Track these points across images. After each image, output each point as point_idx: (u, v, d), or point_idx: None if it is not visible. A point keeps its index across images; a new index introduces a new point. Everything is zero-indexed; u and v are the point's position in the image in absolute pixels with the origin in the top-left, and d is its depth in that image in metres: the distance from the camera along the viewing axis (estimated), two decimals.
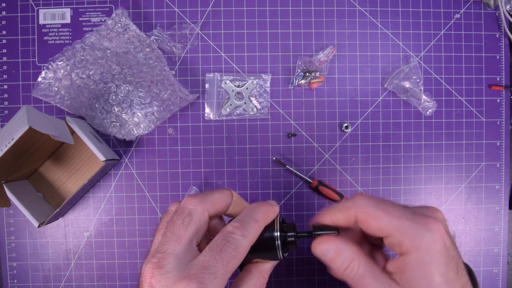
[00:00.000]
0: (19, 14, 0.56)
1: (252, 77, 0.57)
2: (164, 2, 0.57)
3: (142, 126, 0.53)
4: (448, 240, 0.27)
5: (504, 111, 0.59)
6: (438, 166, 0.59)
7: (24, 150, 0.47)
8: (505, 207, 0.59)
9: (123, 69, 0.53)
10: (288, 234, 0.31)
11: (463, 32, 0.59)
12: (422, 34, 0.58)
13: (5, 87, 0.56)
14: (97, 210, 0.57)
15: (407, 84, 0.56)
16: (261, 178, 0.57)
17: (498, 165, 0.59)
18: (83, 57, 0.52)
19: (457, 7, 0.59)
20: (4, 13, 0.56)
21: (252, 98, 0.57)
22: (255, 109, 0.57)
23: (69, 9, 0.57)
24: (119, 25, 0.54)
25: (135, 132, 0.53)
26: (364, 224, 0.29)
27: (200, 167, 0.57)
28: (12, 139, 0.41)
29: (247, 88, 0.56)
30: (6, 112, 0.56)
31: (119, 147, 0.57)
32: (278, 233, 0.30)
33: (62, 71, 0.52)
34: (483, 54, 0.59)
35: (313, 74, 0.56)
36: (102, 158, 0.50)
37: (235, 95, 0.57)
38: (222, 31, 0.57)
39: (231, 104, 0.57)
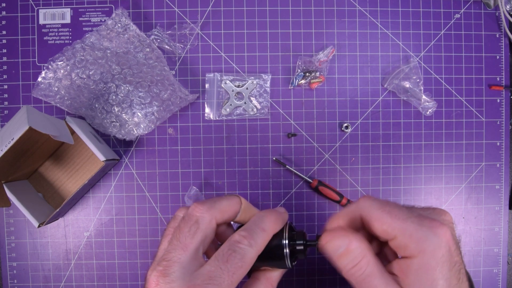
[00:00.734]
0: (19, 14, 0.56)
1: (252, 77, 0.57)
2: (164, 2, 0.57)
3: (142, 126, 0.53)
4: (453, 245, 0.27)
5: (504, 111, 0.59)
6: (438, 166, 0.59)
7: (24, 150, 0.47)
8: (505, 207, 0.59)
9: (123, 69, 0.53)
10: (297, 242, 0.31)
11: (463, 32, 0.59)
12: (422, 34, 0.58)
13: (5, 87, 0.56)
14: (97, 210, 0.57)
15: (407, 84, 0.56)
16: (261, 178, 0.57)
17: (498, 165, 0.59)
18: (83, 57, 0.52)
19: (457, 7, 0.59)
20: (4, 13, 0.56)
21: (252, 98, 0.57)
22: (255, 109, 0.57)
23: (69, 9, 0.57)
24: (119, 25, 0.54)
25: (135, 132, 0.53)
26: (368, 226, 0.29)
27: (200, 167, 0.57)
28: (12, 139, 0.41)
29: (247, 88, 0.56)
30: (6, 112, 0.56)
31: (119, 147, 0.57)
32: (287, 241, 0.30)
33: (62, 71, 0.52)
34: (483, 54, 0.59)
35: (313, 74, 0.56)
36: (102, 158, 0.50)
37: (235, 95, 0.57)
38: (222, 31, 0.57)
39: (231, 104, 0.57)
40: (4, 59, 0.56)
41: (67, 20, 0.57)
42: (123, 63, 0.53)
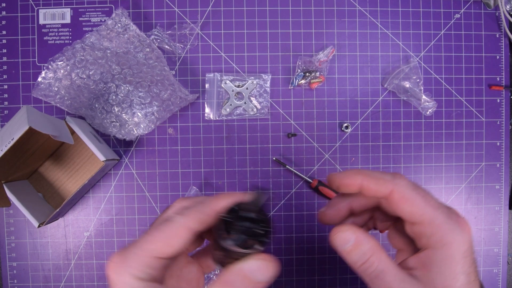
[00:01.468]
0: (19, 14, 0.56)
1: (252, 77, 0.57)
2: (164, 2, 0.57)
3: (142, 126, 0.53)
4: (472, 244, 0.27)
5: (504, 111, 0.59)
6: (438, 166, 0.59)
7: (24, 150, 0.47)
8: (505, 207, 0.59)
9: (123, 69, 0.53)
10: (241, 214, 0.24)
11: (463, 32, 0.59)
12: (422, 34, 0.58)
13: (5, 87, 0.56)
14: (97, 210, 0.57)
15: (407, 84, 0.56)
16: (261, 178, 0.57)
17: (498, 165, 0.59)
18: (83, 57, 0.52)
19: (457, 7, 0.59)
20: (4, 13, 0.56)
21: (252, 98, 0.57)
22: (255, 109, 0.57)
23: (69, 9, 0.57)
24: (119, 25, 0.54)
25: (135, 132, 0.53)
26: (397, 204, 0.27)
27: (200, 167, 0.57)
28: (12, 139, 0.41)
29: (247, 88, 0.56)
30: (6, 112, 0.56)
31: (119, 147, 0.57)
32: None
33: (62, 71, 0.52)
34: (483, 54, 0.59)
35: (313, 74, 0.56)
36: (102, 158, 0.50)
37: (235, 95, 0.57)
38: (222, 31, 0.57)
39: (231, 104, 0.57)
40: (4, 59, 0.56)
41: (67, 20, 0.57)
42: (123, 63, 0.53)
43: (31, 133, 0.40)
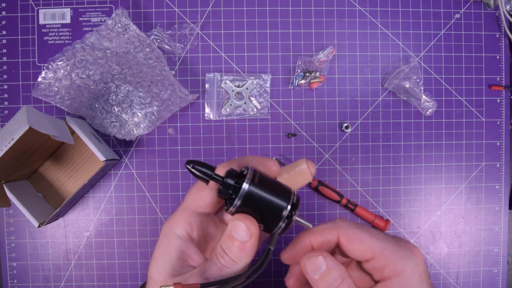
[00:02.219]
0: (19, 14, 0.56)
1: (252, 77, 0.57)
2: (164, 2, 0.57)
3: (142, 126, 0.53)
4: (425, 265, 0.28)
5: (504, 111, 0.59)
6: (438, 166, 0.59)
7: (24, 150, 0.47)
8: (505, 207, 0.59)
9: (123, 69, 0.53)
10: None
11: (463, 32, 0.59)
12: (422, 34, 0.58)
13: (5, 87, 0.56)
14: (97, 210, 0.57)
15: (407, 84, 0.56)
16: None
17: (498, 165, 0.59)
18: (83, 57, 0.52)
19: (457, 7, 0.59)
20: (4, 13, 0.56)
21: (252, 98, 0.57)
22: (255, 109, 0.57)
23: (69, 9, 0.57)
24: (119, 25, 0.54)
25: (135, 132, 0.53)
26: (346, 246, 0.28)
27: None
28: (12, 139, 0.41)
29: (247, 88, 0.56)
30: (6, 112, 0.56)
31: (119, 147, 0.57)
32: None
33: (62, 71, 0.52)
34: (483, 54, 0.59)
35: (313, 74, 0.56)
36: (102, 158, 0.50)
37: (235, 95, 0.57)
38: (222, 31, 0.57)
39: (231, 104, 0.57)
40: (4, 59, 0.56)
41: (67, 20, 0.57)
42: (123, 63, 0.53)
43: (31, 133, 0.40)
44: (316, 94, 0.58)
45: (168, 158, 0.57)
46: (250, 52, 0.57)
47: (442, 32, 0.59)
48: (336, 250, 0.30)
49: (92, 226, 0.57)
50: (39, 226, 0.50)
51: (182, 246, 0.28)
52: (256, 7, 0.57)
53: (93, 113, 0.54)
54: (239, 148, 0.57)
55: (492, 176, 0.59)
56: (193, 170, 0.26)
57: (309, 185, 0.57)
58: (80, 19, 0.57)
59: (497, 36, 0.59)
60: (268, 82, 0.57)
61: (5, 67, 0.56)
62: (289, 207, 0.25)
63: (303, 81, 0.56)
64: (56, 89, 0.53)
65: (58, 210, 0.50)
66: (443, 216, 0.59)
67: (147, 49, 0.55)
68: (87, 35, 0.55)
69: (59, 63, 0.52)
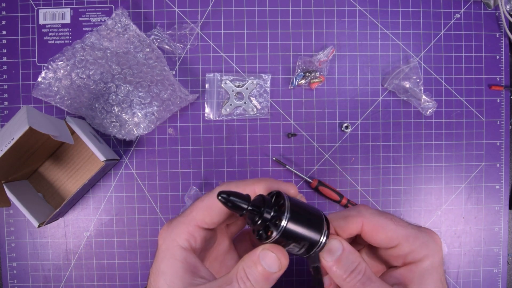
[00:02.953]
0: (19, 14, 0.56)
1: (252, 77, 0.57)
2: (164, 2, 0.57)
3: (142, 126, 0.53)
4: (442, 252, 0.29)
5: (504, 111, 0.59)
6: (438, 166, 0.59)
7: (24, 150, 0.47)
8: (505, 207, 0.59)
9: (123, 69, 0.53)
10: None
11: (463, 32, 0.59)
12: (422, 34, 0.58)
13: (5, 87, 0.56)
14: (97, 210, 0.57)
15: (407, 84, 0.56)
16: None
17: (498, 165, 0.59)
18: (83, 57, 0.52)
19: (457, 7, 0.59)
20: (4, 13, 0.56)
21: (252, 98, 0.57)
22: (255, 109, 0.57)
23: (69, 9, 0.57)
24: (119, 25, 0.54)
25: (135, 132, 0.53)
26: (370, 234, 0.28)
27: (200, 167, 0.57)
28: (12, 139, 0.41)
29: (247, 88, 0.56)
30: (6, 112, 0.56)
31: (119, 147, 0.57)
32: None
33: (62, 71, 0.52)
34: (483, 54, 0.59)
35: (313, 74, 0.56)
36: (102, 158, 0.50)
37: (235, 95, 0.57)
38: (222, 31, 0.57)
39: (231, 104, 0.57)
40: (4, 59, 0.56)
41: (67, 20, 0.57)
42: (123, 63, 0.53)
43: (31, 133, 0.40)
44: (316, 94, 0.58)
45: (168, 158, 0.57)
46: (250, 52, 0.57)
47: (442, 32, 0.59)
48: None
49: (92, 226, 0.57)
50: (39, 226, 0.50)
51: (188, 258, 0.27)
52: (256, 7, 0.57)
53: (93, 113, 0.54)
54: (239, 148, 0.57)
55: (492, 176, 0.59)
56: (226, 202, 0.24)
57: (309, 185, 0.57)
58: (80, 19, 0.57)
59: (497, 36, 0.59)
60: (268, 82, 0.57)
61: (5, 67, 0.56)
62: (322, 240, 0.26)
63: (303, 81, 0.56)
64: (56, 89, 0.53)
65: (58, 210, 0.50)
66: (443, 216, 0.59)
67: (147, 49, 0.55)
68: (87, 35, 0.55)
69: (59, 63, 0.52)
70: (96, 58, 0.53)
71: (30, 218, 0.50)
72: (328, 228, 0.26)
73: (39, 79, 0.53)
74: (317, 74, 0.56)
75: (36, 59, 0.57)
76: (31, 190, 0.55)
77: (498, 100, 0.59)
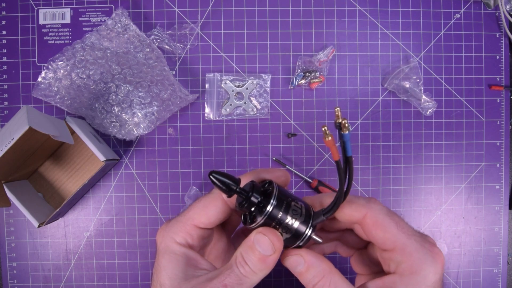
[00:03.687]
0: (19, 14, 0.56)
1: (252, 77, 0.57)
2: (164, 2, 0.57)
3: (142, 126, 0.53)
4: (443, 275, 0.27)
5: (504, 111, 0.59)
6: (438, 166, 0.59)
7: (24, 150, 0.47)
8: (505, 207, 0.59)
9: (123, 69, 0.53)
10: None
11: (463, 32, 0.59)
12: (422, 34, 0.58)
13: (5, 87, 0.56)
14: (97, 210, 0.57)
15: (407, 84, 0.56)
16: None
17: (498, 165, 0.59)
18: (83, 57, 0.52)
19: (457, 7, 0.59)
20: (4, 13, 0.56)
21: (252, 98, 0.57)
22: (255, 109, 0.57)
23: (69, 9, 0.57)
24: (119, 25, 0.54)
25: (135, 132, 0.53)
26: (369, 229, 0.27)
27: (200, 167, 0.57)
28: (12, 139, 0.41)
29: (247, 88, 0.56)
30: (6, 112, 0.56)
31: (119, 147, 0.57)
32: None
33: (62, 71, 0.52)
34: (483, 54, 0.59)
35: (313, 74, 0.56)
36: (102, 158, 0.50)
37: (235, 95, 0.57)
38: (222, 31, 0.57)
39: (231, 104, 0.57)
40: (4, 59, 0.56)
41: (67, 20, 0.57)
42: (123, 63, 0.53)
43: (31, 133, 0.40)
44: (316, 94, 0.58)
45: (168, 158, 0.57)
46: (250, 52, 0.57)
47: (442, 32, 0.59)
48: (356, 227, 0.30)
49: (92, 226, 0.57)
50: (39, 226, 0.50)
51: (187, 253, 0.28)
52: (256, 7, 0.57)
53: (93, 113, 0.54)
54: (239, 148, 0.57)
55: (492, 176, 0.59)
56: (216, 181, 0.25)
57: (309, 185, 0.57)
58: (80, 19, 0.57)
59: (497, 36, 0.59)
60: (268, 82, 0.57)
61: (5, 67, 0.56)
62: (308, 231, 0.26)
63: (303, 81, 0.56)
64: (56, 89, 0.53)
65: (58, 210, 0.50)
66: (443, 216, 0.59)
67: (147, 49, 0.55)
68: (87, 35, 0.55)
69: (59, 63, 0.52)
70: (96, 58, 0.53)
71: (30, 218, 0.50)
72: (314, 228, 0.27)
73: (39, 79, 0.53)
74: (317, 74, 0.56)
75: (36, 59, 0.57)
76: (31, 190, 0.55)
77: (498, 100, 0.59)
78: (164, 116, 0.54)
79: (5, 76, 0.56)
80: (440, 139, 0.59)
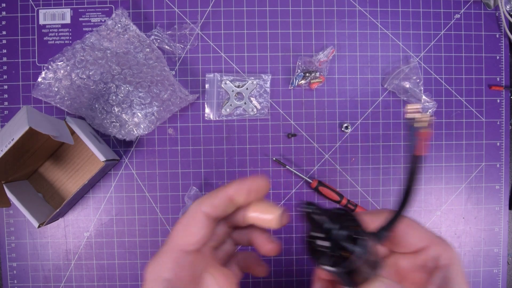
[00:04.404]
0: (19, 14, 0.56)
1: (252, 77, 0.57)
2: (164, 2, 0.57)
3: (142, 126, 0.53)
4: None
5: (504, 111, 0.59)
6: (438, 166, 0.59)
7: (24, 150, 0.47)
8: (505, 207, 0.59)
9: (123, 69, 0.53)
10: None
11: (463, 32, 0.59)
12: (422, 34, 0.58)
13: (5, 87, 0.56)
14: (97, 211, 0.57)
15: (407, 84, 0.56)
16: None
17: (498, 165, 0.59)
18: (83, 57, 0.52)
19: (457, 7, 0.59)
20: (4, 13, 0.56)
21: (252, 98, 0.57)
22: (255, 109, 0.57)
23: (69, 9, 0.57)
24: (119, 25, 0.54)
25: (135, 132, 0.53)
26: (403, 233, 0.27)
27: (200, 167, 0.57)
28: (12, 140, 0.41)
29: (247, 89, 0.56)
30: (6, 112, 0.56)
31: (119, 147, 0.57)
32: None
33: (62, 71, 0.52)
34: (483, 54, 0.59)
35: (313, 74, 0.56)
36: (102, 158, 0.50)
37: (235, 95, 0.57)
38: (222, 32, 0.57)
39: (231, 105, 0.57)
40: (4, 59, 0.56)
41: (67, 20, 0.57)
42: (123, 64, 0.53)
43: (31, 133, 0.40)
44: (316, 94, 0.58)
45: (168, 159, 0.57)
46: (250, 52, 0.57)
47: (442, 32, 0.59)
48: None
49: (92, 226, 0.57)
50: (39, 226, 0.50)
51: (176, 286, 0.25)
52: (256, 7, 0.57)
53: (93, 113, 0.54)
54: (239, 148, 0.57)
55: (492, 176, 0.59)
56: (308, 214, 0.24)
57: (309, 185, 0.57)
58: (80, 19, 0.57)
59: (497, 36, 0.59)
60: (268, 82, 0.57)
61: (5, 67, 0.56)
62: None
63: (303, 81, 0.56)
64: (56, 89, 0.53)
65: (58, 210, 0.50)
66: (443, 216, 0.59)
67: (147, 49, 0.55)
68: (87, 35, 0.55)
69: (59, 63, 0.52)
70: (96, 59, 0.53)
71: (30, 218, 0.50)
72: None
73: (39, 79, 0.53)
74: (317, 74, 0.56)
75: (36, 59, 0.57)
76: (31, 190, 0.55)
77: (498, 100, 0.59)
78: (164, 117, 0.54)
79: (5, 76, 0.56)
80: (440, 139, 0.59)
